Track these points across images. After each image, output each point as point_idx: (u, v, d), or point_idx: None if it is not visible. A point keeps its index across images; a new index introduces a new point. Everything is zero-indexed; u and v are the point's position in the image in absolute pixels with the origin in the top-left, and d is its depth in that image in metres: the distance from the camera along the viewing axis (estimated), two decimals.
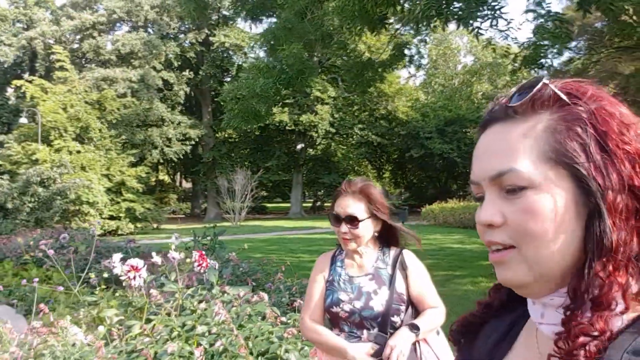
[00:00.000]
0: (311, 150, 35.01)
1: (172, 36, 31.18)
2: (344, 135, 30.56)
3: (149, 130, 28.61)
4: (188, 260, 3.31)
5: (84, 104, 24.59)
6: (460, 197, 25.59)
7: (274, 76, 7.72)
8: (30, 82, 23.76)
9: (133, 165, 26.02)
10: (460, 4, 4.75)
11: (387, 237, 2.06)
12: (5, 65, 29.33)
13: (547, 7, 5.44)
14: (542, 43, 5.51)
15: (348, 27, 6.56)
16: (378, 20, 6.41)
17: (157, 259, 3.09)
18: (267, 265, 6.00)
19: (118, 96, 26.73)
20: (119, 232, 22.54)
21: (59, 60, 25.14)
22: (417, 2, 4.92)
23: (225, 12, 30.54)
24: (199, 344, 2.73)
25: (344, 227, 1.92)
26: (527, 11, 5.62)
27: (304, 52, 8.20)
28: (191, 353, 2.61)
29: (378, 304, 1.89)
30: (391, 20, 7.09)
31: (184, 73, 30.53)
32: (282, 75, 7.67)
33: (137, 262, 2.86)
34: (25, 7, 32.21)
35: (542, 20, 5.27)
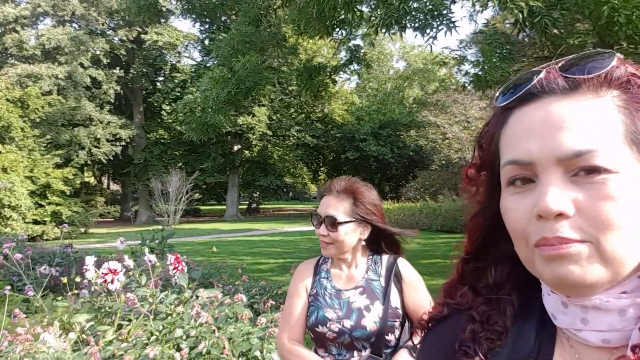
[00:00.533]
0: (247, 152, 34.77)
1: (99, 32, 29.90)
2: (281, 137, 30.66)
3: (75, 130, 27.29)
4: (158, 263, 3.29)
5: (5, 102, 23.06)
6: (393, 198, 26.36)
7: (231, 87, 7.65)
8: None
9: (58, 166, 24.71)
10: (419, 15, 4.98)
11: (378, 244, 1.80)
12: None
13: (493, 27, 5.82)
14: (481, 60, 5.87)
15: (304, 30, 6.66)
16: (335, 24, 6.56)
17: (129, 262, 3.05)
18: (222, 269, 5.99)
19: (43, 94, 25.28)
20: (45, 237, 21.35)
21: None
22: (377, 11, 5.10)
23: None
24: (179, 348, 2.74)
25: (323, 229, 1.70)
26: (476, 33, 5.95)
27: (260, 63, 8.18)
28: (171, 357, 2.62)
29: (371, 322, 1.63)
30: (339, 28, 7.23)
31: (113, 71, 29.37)
32: (239, 86, 7.59)
33: (115, 265, 2.83)
34: None
35: (490, 40, 5.62)
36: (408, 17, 4.96)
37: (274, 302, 3.29)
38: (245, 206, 40.37)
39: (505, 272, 0.64)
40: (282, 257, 12.75)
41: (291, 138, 30.21)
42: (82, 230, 24.14)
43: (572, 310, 0.54)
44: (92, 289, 3.00)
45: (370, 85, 36.27)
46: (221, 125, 8.43)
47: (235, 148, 33.64)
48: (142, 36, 29.59)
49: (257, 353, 2.77)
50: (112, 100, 30.55)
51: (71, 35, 26.75)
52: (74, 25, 29.14)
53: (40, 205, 22.41)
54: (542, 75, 0.55)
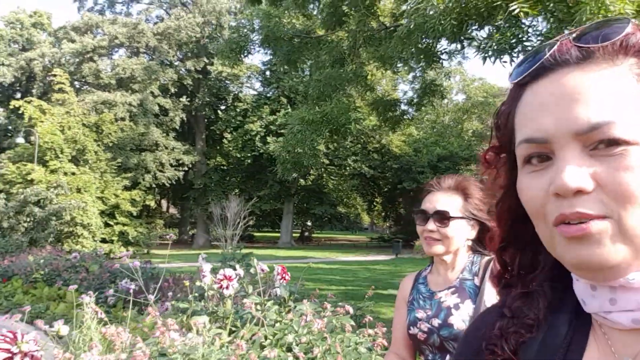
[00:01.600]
0: (302, 180, 35.27)
1: (168, 63, 31.60)
2: (337, 167, 30.99)
3: (142, 155, 28.68)
4: (262, 275, 3.49)
5: (81, 126, 24.64)
6: None
7: (322, 131, 7.94)
8: (29, 102, 23.80)
9: (126, 189, 25.99)
10: (534, 42, 4.96)
11: (482, 244, 1.70)
12: (4, 85, 29.36)
13: None
14: None
15: (399, 62, 6.87)
16: (436, 55, 6.72)
17: (240, 270, 3.26)
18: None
19: (116, 120, 26.86)
20: (111, 255, 22.31)
21: (59, 83, 25.26)
22: (489, 40, 5.13)
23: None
24: (290, 352, 2.89)
25: (432, 225, 1.62)
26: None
27: (348, 103, 8.44)
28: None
29: (459, 320, 1.55)
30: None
31: (180, 99, 30.85)
32: (328, 126, 7.85)
33: (229, 272, 3.04)
34: (22, 28, 32.44)
35: None
36: (523, 44, 4.90)
37: (371, 318, 3.40)
38: (298, 234, 40.73)
39: (536, 258, 0.61)
40: (343, 285, 12.80)
41: (347, 168, 30.47)
42: (145, 250, 25.09)
43: (600, 292, 0.51)
44: (206, 294, 3.21)
45: (428, 117, 36.26)
46: (314, 165, 8.62)
47: (292, 176, 34.23)
48: (208, 67, 30.99)
49: None
50: (177, 127, 31.98)
51: (144, 65, 28.41)
52: (146, 56, 30.98)
53: (109, 225, 23.54)
54: (555, 47, 0.53)
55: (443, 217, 1.61)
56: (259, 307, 3.23)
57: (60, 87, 25.45)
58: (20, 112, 24.01)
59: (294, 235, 38.01)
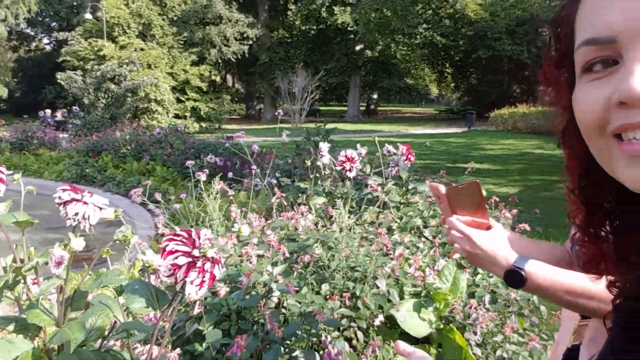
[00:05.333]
0: (369, 52, 33.83)
1: None
2: (407, 35, 29.20)
3: (207, 29, 28.09)
4: (378, 154, 3.26)
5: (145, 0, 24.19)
6: (524, 101, 24.59)
7: None
8: None
9: (194, 64, 25.93)
10: None
11: None
12: None
13: None
14: None
15: None
16: None
17: (362, 150, 3.04)
18: None
19: None
20: (185, 131, 22.98)
21: None
22: None
23: None
24: (422, 237, 2.73)
25: None
26: None
27: None
28: (414, 245, 2.61)
29: None
30: None
31: None
32: None
33: (351, 153, 2.82)
34: None
35: None
36: None
37: (497, 198, 3.16)
38: (364, 107, 40.18)
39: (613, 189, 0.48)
40: (420, 159, 12.56)
41: (418, 37, 28.71)
42: (217, 126, 25.65)
43: None
44: (324, 173, 3.05)
45: None
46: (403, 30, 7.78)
47: (358, 47, 32.89)
48: None
49: None
50: None
51: None
52: None
53: (181, 101, 23.94)
54: None
55: None
56: (379, 188, 3.04)
57: None
58: None
59: (360, 108, 37.53)
